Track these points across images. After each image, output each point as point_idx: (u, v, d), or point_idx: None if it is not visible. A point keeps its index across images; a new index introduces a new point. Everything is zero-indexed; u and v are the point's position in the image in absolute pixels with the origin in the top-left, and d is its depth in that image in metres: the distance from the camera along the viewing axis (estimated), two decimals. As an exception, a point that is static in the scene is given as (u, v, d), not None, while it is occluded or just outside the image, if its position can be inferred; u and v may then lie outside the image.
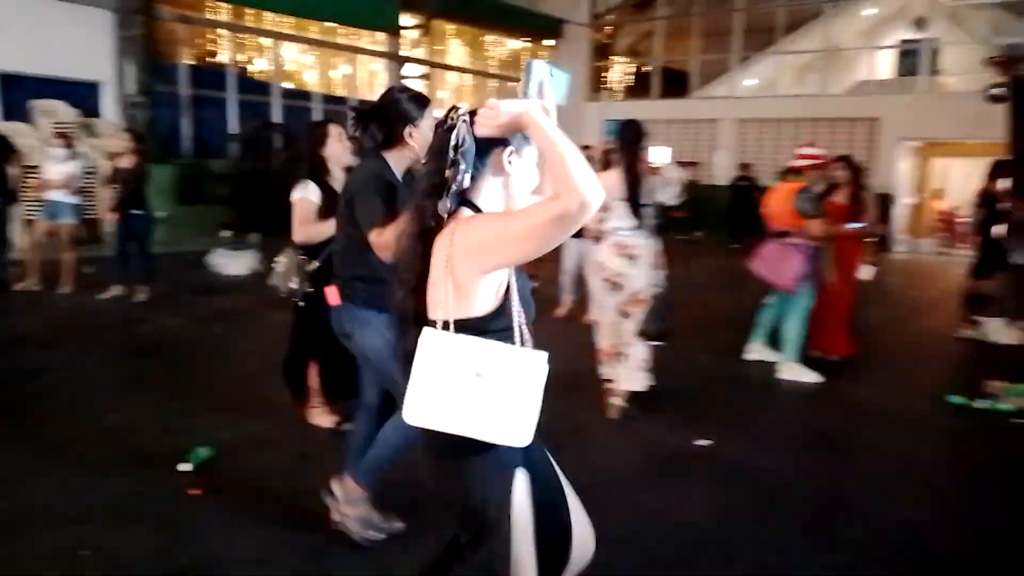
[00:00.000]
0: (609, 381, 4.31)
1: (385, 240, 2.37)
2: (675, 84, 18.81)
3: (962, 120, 12.95)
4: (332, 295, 2.72)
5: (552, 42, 18.79)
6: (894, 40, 17.00)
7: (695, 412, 4.43)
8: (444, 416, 1.50)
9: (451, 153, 1.51)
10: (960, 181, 15.29)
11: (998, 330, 6.70)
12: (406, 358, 1.56)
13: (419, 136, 2.54)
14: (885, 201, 12.66)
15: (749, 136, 16.55)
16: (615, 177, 4.17)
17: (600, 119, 18.28)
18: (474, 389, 1.49)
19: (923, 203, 16.16)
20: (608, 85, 19.34)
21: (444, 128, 1.55)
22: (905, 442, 4.16)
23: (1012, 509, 3.39)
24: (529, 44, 19.06)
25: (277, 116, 13.45)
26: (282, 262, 3.68)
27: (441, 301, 1.53)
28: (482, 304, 1.54)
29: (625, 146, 4.21)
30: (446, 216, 1.55)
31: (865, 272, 5.55)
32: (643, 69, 19.08)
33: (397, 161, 2.60)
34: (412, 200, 1.65)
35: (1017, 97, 11.47)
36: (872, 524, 3.14)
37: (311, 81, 14.81)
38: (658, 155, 4.69)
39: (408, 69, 15.65)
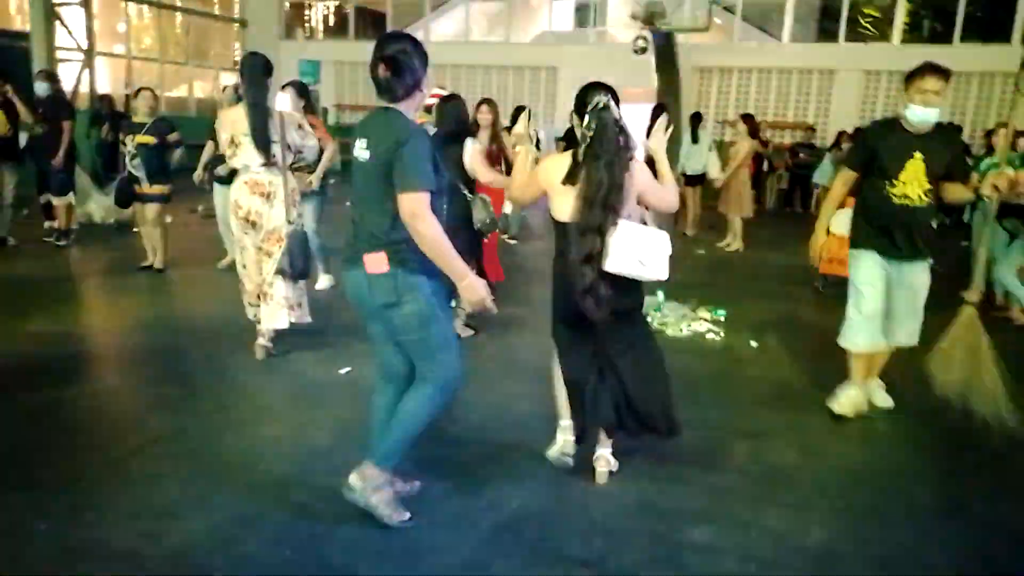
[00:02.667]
0: (257, 322, 4.34)
1: (426, 215, 2.34)
2: (374, 26, 18.73)
3: (627, 69, 14.61)
4: (378, 262, 2.43)
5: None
6: (571, -7, 18.53)
7: (343, 344, 4.63)
8: (628, 266, 2.71)
9: (621, 122, 2.76)
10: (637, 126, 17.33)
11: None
12: (587, 259, 2.70)
13: (426, 90, 2.53)
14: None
15: (445, 82, 17.09)
16: (239, 112, 4.12)
17: (296, 59, 17.66)
18: (644, 251, 2.73)
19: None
20: (308, 24, 18.62)
21: (601, 107, 2.72)
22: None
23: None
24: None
25: None
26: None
27: (629, 209, 2.80)
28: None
29: (250, 80, 4.14)
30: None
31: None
32: (344, 9, 18.66)
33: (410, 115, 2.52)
34: (605, 146, 2.72)
35: (658, 49, 13.32)
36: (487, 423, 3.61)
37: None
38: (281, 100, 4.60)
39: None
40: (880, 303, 3.67)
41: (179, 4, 16.94)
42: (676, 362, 4.54)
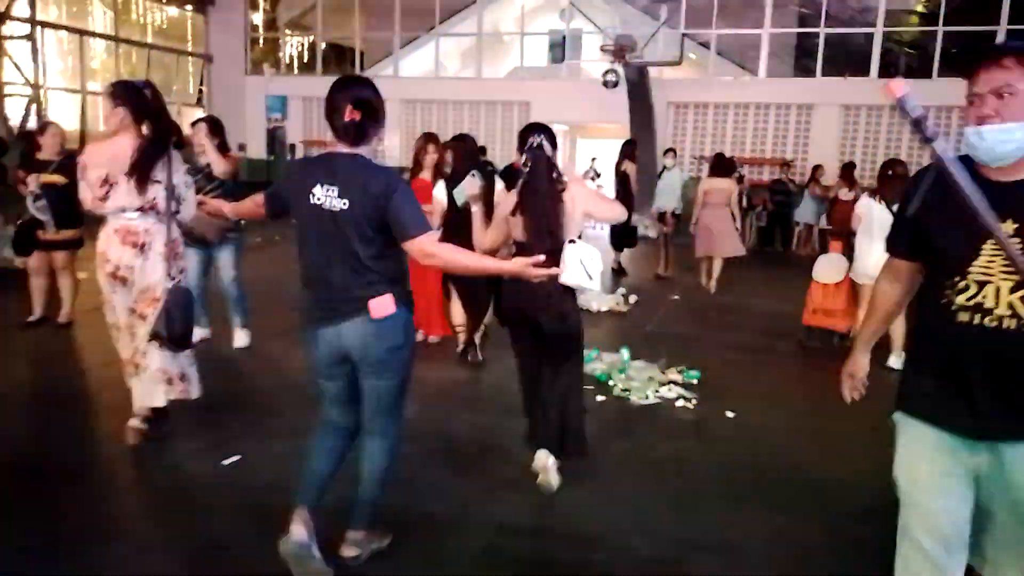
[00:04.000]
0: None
1: (439, 248, 2.46)
2: (342, 61, 18.26)
3: (600, 103, 14.19)
4: (384, 305, 2.40)
5: (195, 7, 17.09)
6: (544, 28, 18.17)
7: (239, 423, 3.90)
8: (578, 278, 2.98)
9: (553, 159, 3.22)
10: (607, 161, 16.88)
11: (596, 298, 7.19)
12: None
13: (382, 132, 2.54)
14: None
15: (416, 118, 16.59)
16: (124, 144, 3.43)
17: (262, 95, 17.12)
18: (584, 264, 2.97)
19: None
20: (275, 60, 18.10)
21: (536, 146, 3.17)
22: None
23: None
24: (178, 12, 17.17)
25: None
26: None
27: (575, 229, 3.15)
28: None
29: (137, 108, 3.47)
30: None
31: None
32: (311, 44, 18.18)
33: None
34: (538, 181, 3.13)
35: (630, 83, 12.87)
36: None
37: None
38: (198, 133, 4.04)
39: (10, 28, 12.99)
40: (953, 520, 1.84)
41: (136, 39, 16.38)
42: (638, 438, 3.97)
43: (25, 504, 3.00)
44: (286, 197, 2.53)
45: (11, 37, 13.09)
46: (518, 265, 2.46)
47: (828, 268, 5.85)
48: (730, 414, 4.35)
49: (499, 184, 4.74)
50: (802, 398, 4.81)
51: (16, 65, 13.14)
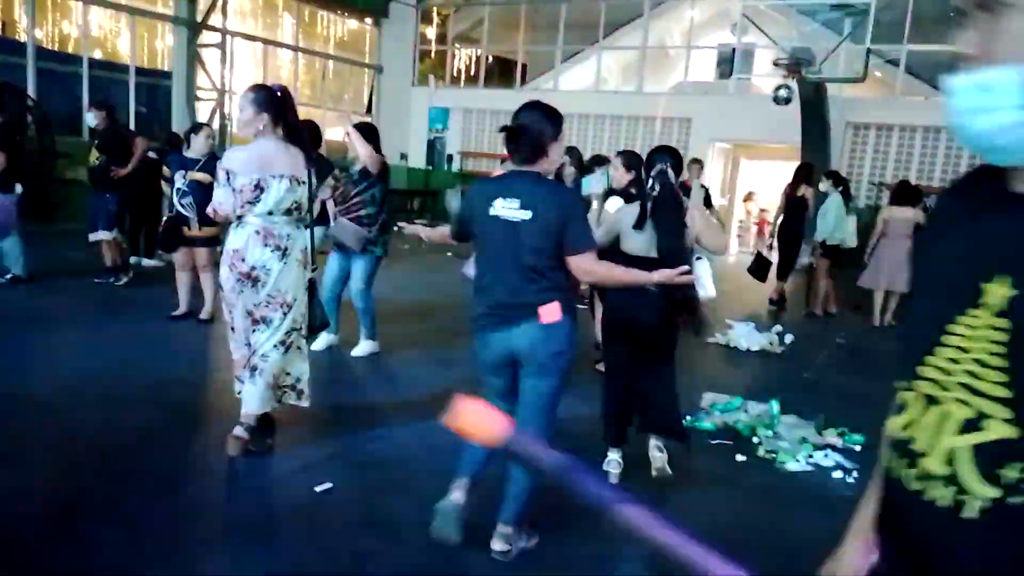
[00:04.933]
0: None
1: (599, 265, 2.69)
2: (506, 74, 18.40)
3: (769, 121, 13.24)
4: (553, 311, 2.59)
5: (372, 21, 17.87)
6: (713, 43, 17.31)
7: (342, 443, 3.71)
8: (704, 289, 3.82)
9: (675, 184, 3.54)
10: (770, 183, 15.77)
11: (746, 335, 6.50)
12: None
13: (558, 150, 2.75)
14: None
15: (573, 132, 16.33)
16: (270, 148, 3.45)
17: (425, 105, 17.56)
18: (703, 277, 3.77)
19: (733, 204, 16.57)
20: (443, 71, 18.58)
21: (661, 171, 3.45)
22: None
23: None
24: (357, 25, 18.06)
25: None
26: None
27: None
28: None
29: (277, 113, 3.47)
30: None
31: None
32: (477, 57, 18.49)
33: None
34: (668, 202, 3.42)
35: (803, 101, 11.84)
36: None
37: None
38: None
39: (205, 37, 14.15)
40: None
41: (318, 49, 17.35)
42: (782, 514, 3.37)
43: (112, 509, 2.93)
44: (469, 218, 2.74)
45: (206, 45, 14.21)
46: (665, 275, 2.62)
47: None
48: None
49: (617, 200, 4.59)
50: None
51: (206, 71, 14.26)
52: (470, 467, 2.76)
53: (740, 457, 3.93)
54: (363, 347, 5.25)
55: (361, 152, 4.84)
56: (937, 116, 13.01)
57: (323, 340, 5.12)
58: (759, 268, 8.39)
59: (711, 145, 14.97)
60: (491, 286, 2.65)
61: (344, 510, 3.07)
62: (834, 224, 8.02)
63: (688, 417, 4.39)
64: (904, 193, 7.92)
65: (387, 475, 3.42)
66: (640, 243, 3.39)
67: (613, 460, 3.53)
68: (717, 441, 4.12)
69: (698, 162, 9.04)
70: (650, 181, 3.44)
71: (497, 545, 2.74)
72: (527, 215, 2.54)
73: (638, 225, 3.39)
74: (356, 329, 5.33)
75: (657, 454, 3.62)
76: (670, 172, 3.44)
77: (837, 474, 3.81)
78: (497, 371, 2.74)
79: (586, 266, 2.59)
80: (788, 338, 6.92)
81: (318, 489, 3.18)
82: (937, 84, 13.72)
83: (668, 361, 3.57)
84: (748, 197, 16.67)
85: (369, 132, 5.06)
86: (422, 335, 6.04)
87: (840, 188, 8.26)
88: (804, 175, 8.70)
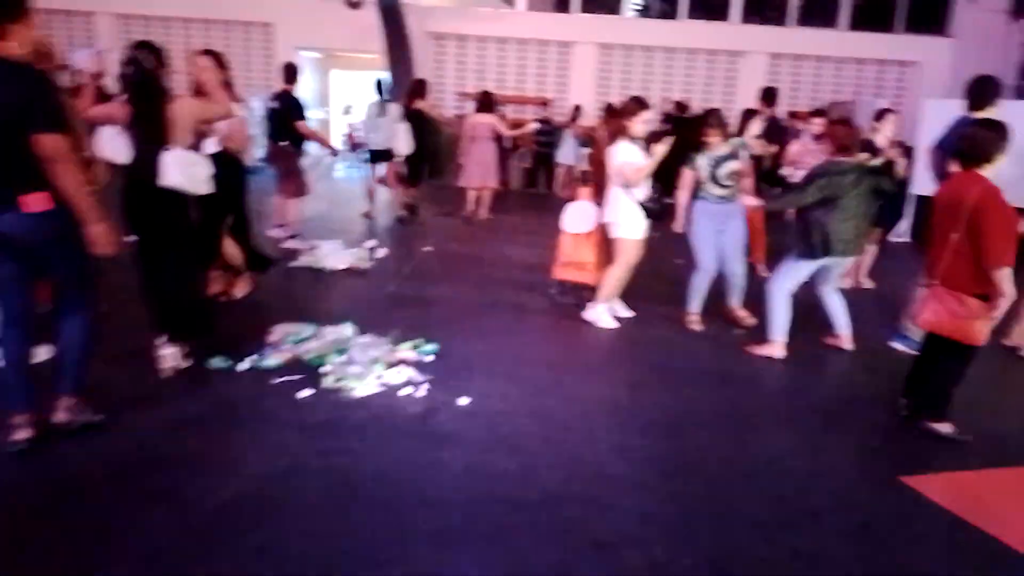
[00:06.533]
0: None
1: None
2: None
3: (349, 30, 12.80)
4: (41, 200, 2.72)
5: None
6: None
7: None
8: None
9: None
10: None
11: (332, 254, 6.19)
12: None
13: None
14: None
15: (132, 33, 13.99)
16: None
17: None
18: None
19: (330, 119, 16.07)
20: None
21: None
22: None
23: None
24: None
25: None
26: None
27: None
28: None
29: None
30: None
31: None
32: None
33: None
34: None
35: (382, 7, 11.66)
36: None
37: None
38: None
39: None
40: None
41: None
42: (345, 445, 3.06)
43: None
44: None
45: None
46: None
47: (576, 217, 5.35)
48: (463, 401, 3.65)
49: None
50: (546, 369, 4.25)
51: None
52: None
53: (304, 393, 3.61)
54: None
55: None
56: (504, 28, 14.00)
57: None
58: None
59: (297, 54, 14.08)
60: None
61: None
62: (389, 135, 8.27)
63: (253, 356, 3.93)
64: (484, 102, 8.90)
65: None
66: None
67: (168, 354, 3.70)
68: (282, 379, 3.73)
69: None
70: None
71: (62, 417, 2.97)
72: None
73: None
74: None
75: (165, 351, 3.68)
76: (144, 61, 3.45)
77: (405, 391, 3.71)
78: None
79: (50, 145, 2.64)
80: (382, 252, 6.82)
81: None
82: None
83: (176, 255, 3.66)
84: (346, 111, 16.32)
85: None
86: None
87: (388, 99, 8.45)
88: (420, 90, 9.00)
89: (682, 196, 5.08)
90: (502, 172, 9.88)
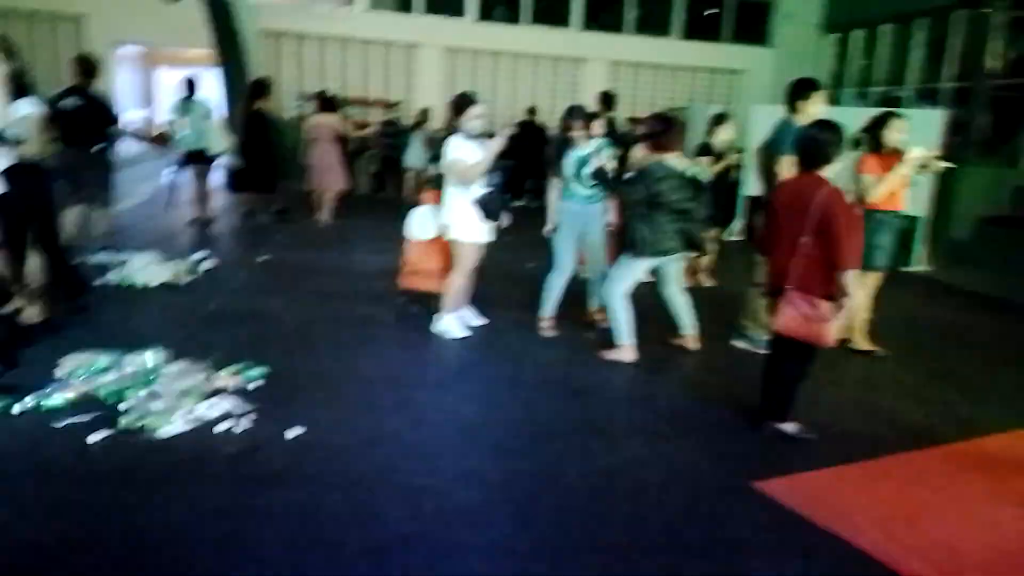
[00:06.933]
0: None
1: None
2: None
3: (175, 25, 11.83)
4: None
5: None
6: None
7: None
8: None
9: None
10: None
11: (143, 269, 5.50)
12: None
13: None
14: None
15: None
16: None
17: None
18: None
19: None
20: None
21: None
22: None
23: None
24: None
25: None
26: None
27: None
28: None
29: None
30: None
31: None
32: None
33: None
34: None
35: (208, 2, 10.78)
36: None
37: None
38: None
39: None
40: None
41: None
42: (143, 495, 2.57)
43: None
44: None
45: None
46: None
47: (420, 223, 5.03)
48: (294, 433, 3.22)
49: None
50: (391, 389, 3.90)
51: None
52: None
53: (96, 436, 3.03)
54: None
55: None
56: (344, 27, 13.43)
57: None
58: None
59: (112, 49, 12.81)
60: None
61: None
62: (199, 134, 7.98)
63: (37, 393, 3.29)
64: (326, 102, 9.14)
65: None
66: None
67: None
68: (67, 422, 3.13)
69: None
70: None
71: None
72: None
73: None
74: None
75: None
76: None
77: (222, 426, 3.22)
78: None
79: None
80: (210, 263, 6.18)
81: None
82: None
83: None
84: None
85: None
86: None
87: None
88: (261, 90, 8.42)
89: (552, 196, 4.94)
90: (348, 175, 9.47)
